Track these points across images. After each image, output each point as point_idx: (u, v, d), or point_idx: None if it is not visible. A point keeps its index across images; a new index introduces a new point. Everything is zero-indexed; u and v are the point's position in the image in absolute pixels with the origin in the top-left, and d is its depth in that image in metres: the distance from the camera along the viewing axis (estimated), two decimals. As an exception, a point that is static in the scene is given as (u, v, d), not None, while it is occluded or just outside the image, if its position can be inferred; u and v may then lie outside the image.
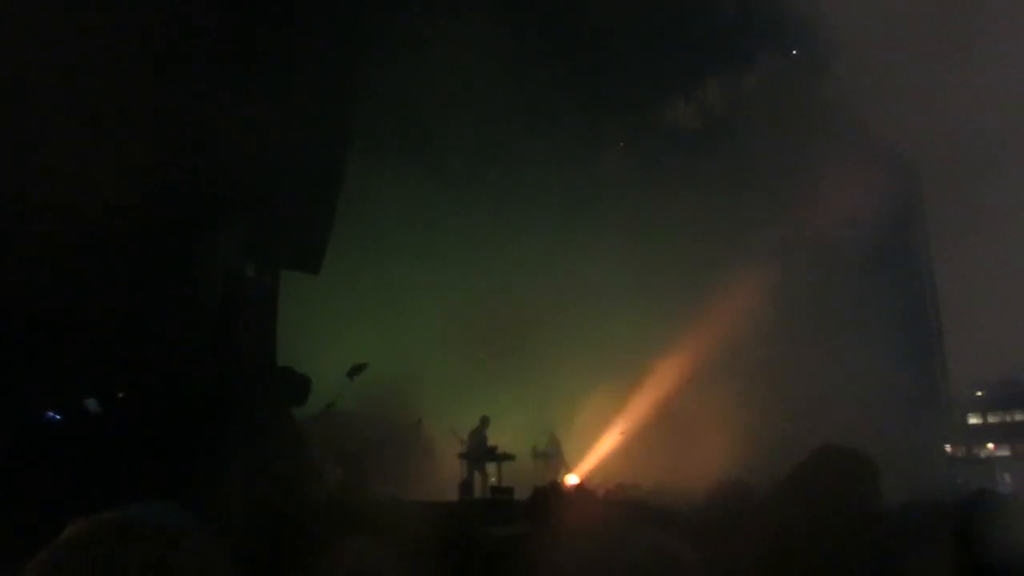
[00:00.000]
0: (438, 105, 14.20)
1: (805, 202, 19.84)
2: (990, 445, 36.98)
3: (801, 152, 18.61)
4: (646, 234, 17.20)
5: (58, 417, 8.61)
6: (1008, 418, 41.05)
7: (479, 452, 13.48)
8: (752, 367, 17.72)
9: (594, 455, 16.43)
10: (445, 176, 14.85)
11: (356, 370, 11.96)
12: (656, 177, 18.88)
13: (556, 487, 4.34)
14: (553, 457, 15.41)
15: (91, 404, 8.83)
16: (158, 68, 8.62)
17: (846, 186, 19.80)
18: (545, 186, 16.58)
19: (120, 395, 9.23)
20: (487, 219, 14.98)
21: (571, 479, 15.50)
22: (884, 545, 2.37)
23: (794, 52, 22.47)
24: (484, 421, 13.96)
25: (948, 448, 28.41)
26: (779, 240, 18.72)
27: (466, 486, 12.30)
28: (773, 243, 18.56)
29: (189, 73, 8.98)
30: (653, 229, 17.19)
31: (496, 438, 13.78)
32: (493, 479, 13.39)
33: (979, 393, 40.83)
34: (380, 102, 12.98)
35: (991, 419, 41.41)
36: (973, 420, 40.86)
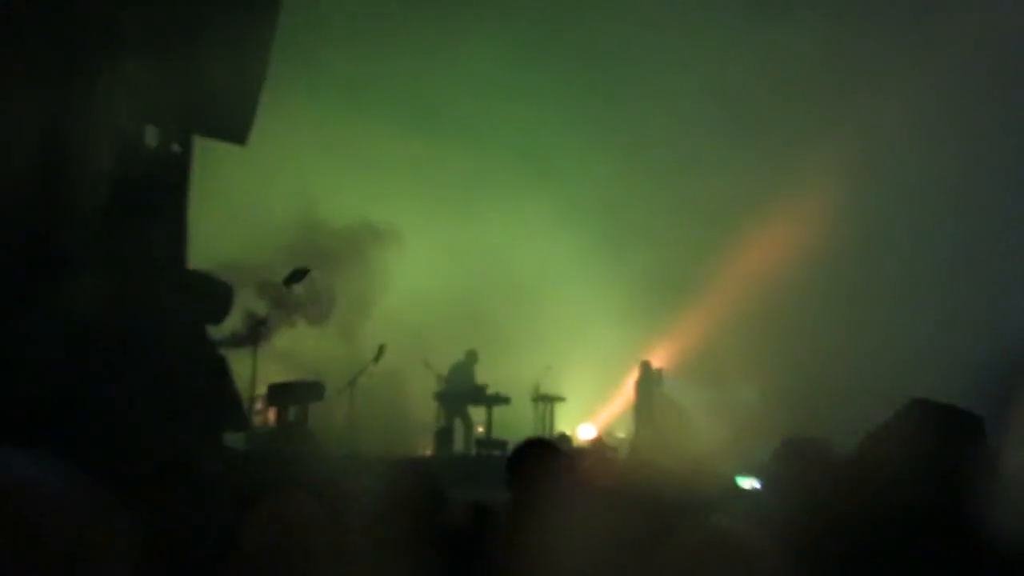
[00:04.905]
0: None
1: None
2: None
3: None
4: (673, 147, 14.91)
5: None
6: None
7: (462, 392, 10.57)
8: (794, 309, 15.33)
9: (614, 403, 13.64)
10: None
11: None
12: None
13: (544, 441, 3.17)
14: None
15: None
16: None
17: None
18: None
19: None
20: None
21: (586, 431, 12.46)
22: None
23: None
24: (471, 355, 11.10)
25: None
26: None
27: (443, 435, 9.56)
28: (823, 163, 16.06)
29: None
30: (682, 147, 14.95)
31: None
32: (480, 428, 10.76)
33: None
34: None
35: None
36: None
